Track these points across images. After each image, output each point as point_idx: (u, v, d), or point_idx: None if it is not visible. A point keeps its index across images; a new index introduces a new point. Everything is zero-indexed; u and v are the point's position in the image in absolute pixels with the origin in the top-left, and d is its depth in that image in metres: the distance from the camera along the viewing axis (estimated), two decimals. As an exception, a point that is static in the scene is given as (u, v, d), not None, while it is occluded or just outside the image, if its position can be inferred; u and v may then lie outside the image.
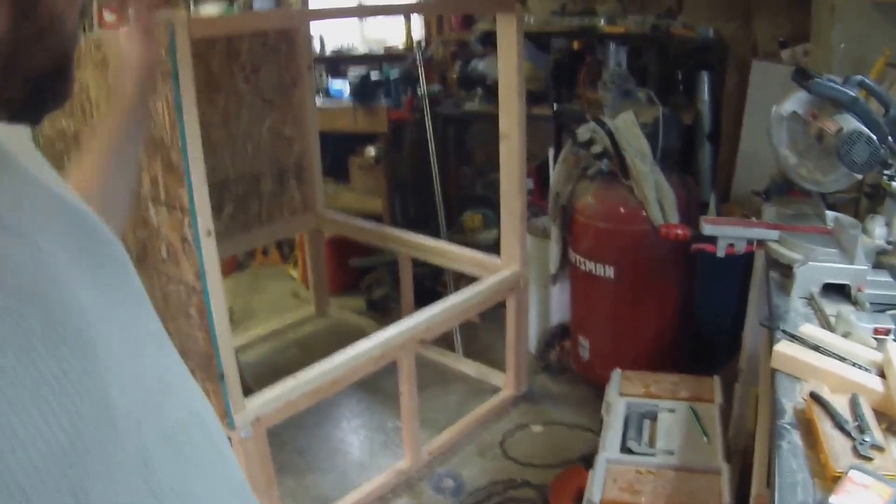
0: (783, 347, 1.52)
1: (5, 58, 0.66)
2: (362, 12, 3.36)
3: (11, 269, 0.57)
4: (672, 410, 2.65)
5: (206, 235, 2.21)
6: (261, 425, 2.46)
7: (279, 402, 2.51)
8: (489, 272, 3.38)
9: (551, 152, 3.70)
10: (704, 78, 3.84)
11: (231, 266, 5.26)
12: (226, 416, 2.37)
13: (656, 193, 3.10)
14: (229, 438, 2.38)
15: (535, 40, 4.24)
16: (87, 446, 0.58)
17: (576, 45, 4.19)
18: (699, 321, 3.47)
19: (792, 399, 1.42)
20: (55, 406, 0.55)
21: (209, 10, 5.62)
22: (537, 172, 4.17)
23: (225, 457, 0.84)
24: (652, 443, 2.52)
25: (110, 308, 0.70)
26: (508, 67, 3.16)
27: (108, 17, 6.48)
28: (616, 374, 2.90)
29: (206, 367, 2.38)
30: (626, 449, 2.47)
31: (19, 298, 0.56)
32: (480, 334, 4.07)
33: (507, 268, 3.36)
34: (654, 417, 2.64)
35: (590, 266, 3.28)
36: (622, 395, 2.77)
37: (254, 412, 2.44)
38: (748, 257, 2.58)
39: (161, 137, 2.19)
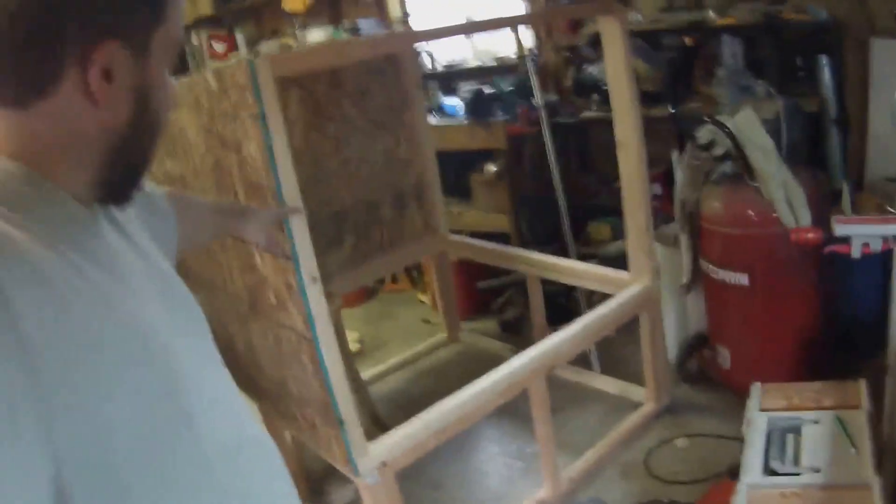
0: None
1: (119, 146, 0.80)
2: (465, 29, 3.33)
3: (119, 309, 0.76)
4: (816, 422, 2.54)
5: (312, 282, 2.18)
6: (388, 470, 2.41)
7: (406, 444, 2.46)
8: (618, 288, 3.30)
9: (675, 155, 3.61)
10: (824, 62, 3.66)
11: (361, 295, 5.33)
12: (348, 462, 2.34)
13: (785, 192, 2.98)
14: (355, 485, 2.37)
15: (647, 39, 4.14)
16: (168, 444, 0.79)
17: (688, 41, 4.06)
18: (840, 318, 3.30)
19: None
20: (142, 410, 0.75)
21: (316, 35, 5.72)
22: (664, 177, 4.07)
23: (287, 483, 1.01)
24: (797, 460, 2.42)
25: (181, 334, 0.87)
26: (617, 72, 3.09)
27: (218, 47, 6.75)
28: (755, 389, 2.80)
29: (324, 414, 2.37)
30: (769, 470, 2.38)
31: (124, 329, 0.75)
32: (616, 348, 3.98)
33: (636, 283, 3.29)
34: (797, 431, 2.54)
35: (722, 274, 3.18)
36: (763, 410, 2.67)
37: (379, 457, 2.39)
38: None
39: (258, 181, 2.17)
